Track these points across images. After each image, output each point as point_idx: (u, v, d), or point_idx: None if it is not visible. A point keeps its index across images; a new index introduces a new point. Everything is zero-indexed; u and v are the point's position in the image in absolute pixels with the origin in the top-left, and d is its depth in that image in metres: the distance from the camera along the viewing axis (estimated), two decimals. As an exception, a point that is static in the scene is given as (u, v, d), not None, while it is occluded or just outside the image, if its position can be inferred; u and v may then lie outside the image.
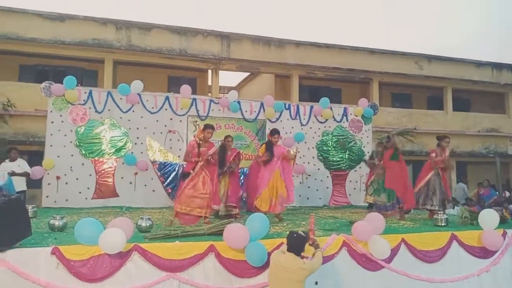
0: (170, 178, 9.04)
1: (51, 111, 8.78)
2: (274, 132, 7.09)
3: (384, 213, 6.47)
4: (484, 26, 53.92)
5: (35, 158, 9.27)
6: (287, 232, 5.21)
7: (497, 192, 12.38)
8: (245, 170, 9.55)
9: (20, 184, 7.77)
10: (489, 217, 5.68)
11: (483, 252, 5.55)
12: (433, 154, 7.33)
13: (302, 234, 4.04)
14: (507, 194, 13.32)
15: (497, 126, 16.46)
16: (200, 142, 6.15)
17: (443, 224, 6.11)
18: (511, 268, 5.67)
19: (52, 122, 8.76)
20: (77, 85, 9.00)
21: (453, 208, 10.27)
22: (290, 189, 6.92)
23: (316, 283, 4.61)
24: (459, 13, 54.56)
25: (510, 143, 16.50)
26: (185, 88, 9.57)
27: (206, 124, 6.55)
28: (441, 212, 6.63)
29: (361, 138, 10.63)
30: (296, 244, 3.95)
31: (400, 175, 7.19)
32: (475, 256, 5.50)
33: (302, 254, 4.02)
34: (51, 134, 8.74)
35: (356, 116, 10.70)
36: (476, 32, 53.60)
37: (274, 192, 6.69)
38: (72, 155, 8.74)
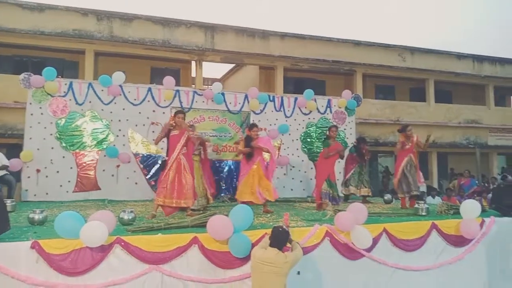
0: (153, 171, 8.95)
1: (31, 103, 8.61)
2: (252, 126, 7.13)
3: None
4: (480, 23, 54.72)
5: (14, 151, 9.07)
6: (271, 223, 5.26)
7: (477, 182, 12.64)
8: (229, 163, 9.58)
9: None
10: (471, 207, 5.79)
11: (461, 241, 5.67)
12: (399, 146, 7.52)
13: (286, 228, 4.05)
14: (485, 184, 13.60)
15: (477, 118, 16.75)
16: (172, 127, 6.12)
17: (424, 214, 6.23)
18: (485, 257, 5.81)
19: (32, 114, 8.60)
20: (57, 77, 8.83)
21: (434, 198, 10.51)
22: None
23: (299, 272, 4.64)
24: (457, 8, 55.19)
25: (490, 134, 16.84)
26: (168, 80, 9.47)
27: (178, 110, 6.48)
28: (422, 201, 6.76)
29: (345, 129, 10.69)
30: (281, 239, 3.96)
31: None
32: (453, 245, 5.62)
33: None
34: (31, 127, 8.58)
35: (340, 107, 10.76)
36: (473, 29, 54.38)
37: (254, 185, 6.70)
38: (52, 148, 8.60)
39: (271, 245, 3.95)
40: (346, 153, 9.61)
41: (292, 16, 55.49)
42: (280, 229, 4.02)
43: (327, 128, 10.43)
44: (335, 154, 7.20)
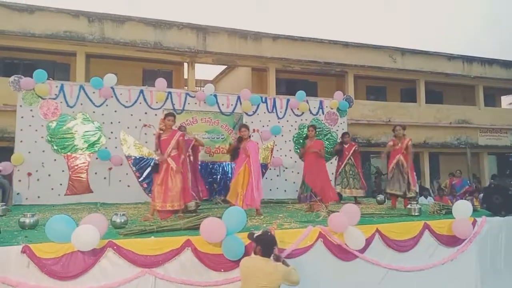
0: (145, 173, 8.90)
1: (21, 106, 8.54)
2: (240, 126, 7.17)
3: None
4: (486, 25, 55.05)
5: (5, 154, 8.96)
6: (265, 225, 5.25)
7: (469, 182, 12.74)
8: (222, 165, 9.58)
9: None
10: (463, 207, 5.84)
11: (453, 241, 5.71)
12: (390, 143, 7.61)
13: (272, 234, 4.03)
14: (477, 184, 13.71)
15: (468, 118, 16.91)
16: (162, 131, 6.09)
17: (416, 214, 6.26)
18: (477, 256, 5.85)
19: (22, 117, 8.52)
20: (48, 79, 8.78)
21: (426, 198, 10.58)
22: (251, 191, 6.49)
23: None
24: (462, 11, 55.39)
25: (480, 134, 17.00)
26: (160, 82, 9.44)
27: (168, 112, 6.48)
28: (415, 202, 6.81)
29: (337, 130, 10.74)
30: (267, 242, 3.85)
31: (318, 171, 7.47)
32: (445, 245, 5.65)
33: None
34: (21, 130, 8.51)
35: (332, 109, 10.81)
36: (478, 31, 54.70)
37: (239, 187, 6.65)
38: (43, 151, 8.53)
39: (260, 252, 3.85)
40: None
41: (284, 17, 55.66)
42: (269, 233, 4.00)
43: (319, 129, 10.57)
44: (305, 153, 7.57)
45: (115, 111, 9.05)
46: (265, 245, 3.86)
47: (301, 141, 10.32)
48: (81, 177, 8.72)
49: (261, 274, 3.69)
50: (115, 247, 4.17)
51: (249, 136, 7.08)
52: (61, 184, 8.58)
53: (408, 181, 7.34)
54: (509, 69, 17.55)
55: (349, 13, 56.54)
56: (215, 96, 9.77)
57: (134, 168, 8.98)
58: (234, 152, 6.99)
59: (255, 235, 4.01)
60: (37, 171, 8.43)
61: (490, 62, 17.32)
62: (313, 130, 7.71)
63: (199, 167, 9.19)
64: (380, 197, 8.60)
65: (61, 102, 8.73)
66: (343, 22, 55.77)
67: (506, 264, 6.07)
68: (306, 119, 10.52)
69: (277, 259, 3.88)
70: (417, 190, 7.44)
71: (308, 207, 7.20)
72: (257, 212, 6.66)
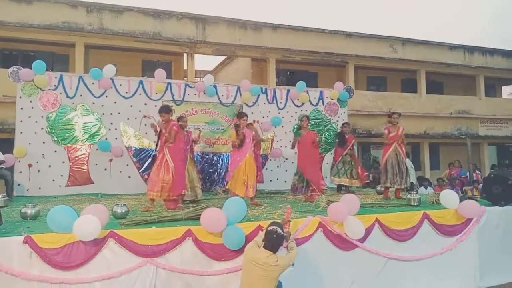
0: (146, 164, 8.93)
1: (20, 97, 8.52)
2: (242, 114, 7.00)
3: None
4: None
5: (5, 146, 8.97)
6: (265, 216, 5.28)
7: (468, 173, 12.75)
8: (222, 155, 9.59)
9: None
10: (450, 197, 5.98)
11: (452, 230, 5.75)
12: (386, 131, 7.49)
13: (282, 232, 3.95)
14: (478, 174, 13.71)
15: (468, 108, 16.87)
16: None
17: (416, 204, 6.28)
18: (476, 245, 5.90)
19: (22, 109, 8.51)
20: (47, 70, 8.74)
21: (426, 188, 10.60)
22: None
23: (293, 264, 4.66)
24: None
25: (481, 125, 16.98)
26: (160, 72, 9.41)
27: (160, 107, 6.39)
28: (414, 192, 6.82)
29: (337, 121, 10.73)
30: (274, 244, 3.88)
31: (313, 160, 7.56)
32: (444, 234, 5.69)
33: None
34: (21, 121, 8.50)
35: (332, 99, 10.78)
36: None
37: (246, 176, 6.59)
38: (44, 142, 8.53)
39: (265, 246, 3.88)
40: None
41: (285, 7, 55.24)
42: (275, 235, 3.87)
43: (320, 120, 10.57)
44: (300, 143, 7.63)
45: (115, 102, 9.03)
46: (267, 241, 3.89)
47: (295, 131, 10.36)
48: (82, 168, 8.74)
49: (261, 266, 3.77)
50: (116, 237, 4.21)
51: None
52: (62, 175, 8.60)
53: (403, 172, 7.33)
54: (510, 59, 17.47)
55: (349, 2, 56.13)
56: (215, 86, 9.74)
57: (134, 159, 9.01)
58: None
59: (269, 227, 3.97)
60: (37, 162, 8.45)
61: (491, 52, 17.23)
62: (307, 120, 7.78)
63: (200, 159, 9.27)
64: (380, 187, 8.62)
65: (60, 93, 8.71)
66: (344, 12, 55.38)
67: (505, 254, 6.12)
68: (306, 110, 10.49)
69: (286, 238, 4.08)
70: (406, 181, 7.41)
71: (306, 197, 7.18)
72: (253, 202, 6.59)
